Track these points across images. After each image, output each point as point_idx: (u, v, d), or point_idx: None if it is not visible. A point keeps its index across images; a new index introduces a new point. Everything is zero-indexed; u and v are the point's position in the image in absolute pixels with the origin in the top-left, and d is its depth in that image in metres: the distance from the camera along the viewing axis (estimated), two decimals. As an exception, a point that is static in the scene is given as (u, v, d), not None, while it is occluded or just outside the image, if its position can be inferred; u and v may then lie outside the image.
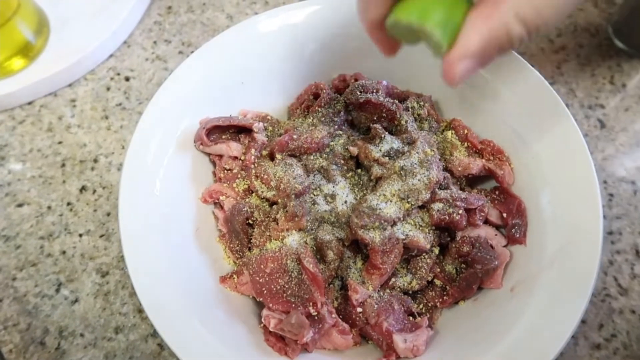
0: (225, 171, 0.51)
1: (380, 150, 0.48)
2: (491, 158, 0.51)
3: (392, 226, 0.45)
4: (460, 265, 0.47)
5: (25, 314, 0.51)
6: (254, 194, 0.50)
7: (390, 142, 0.48)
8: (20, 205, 0.57)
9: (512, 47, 0.31)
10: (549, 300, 0.42)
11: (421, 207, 0.47)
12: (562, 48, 0.67)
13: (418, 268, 0.46)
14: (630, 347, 0.50)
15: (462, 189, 0.51)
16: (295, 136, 0.49)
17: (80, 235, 0.55)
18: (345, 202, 0.48)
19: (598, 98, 0.63)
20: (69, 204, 0.57)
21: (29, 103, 0.63)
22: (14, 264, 0.53)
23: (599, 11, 0.70)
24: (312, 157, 0.49)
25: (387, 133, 0.49)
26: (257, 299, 0.44)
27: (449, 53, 0.31)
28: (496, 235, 0.49)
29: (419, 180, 0.46)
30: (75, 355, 0.49)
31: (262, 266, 0.44)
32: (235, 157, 0.51)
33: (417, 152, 0.47)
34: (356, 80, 0.54)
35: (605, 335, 0.50)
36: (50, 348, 0.50)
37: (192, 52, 0.52)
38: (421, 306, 0.47)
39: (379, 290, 0.45)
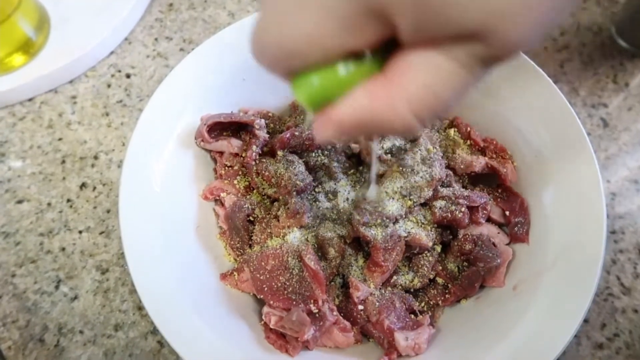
0: (226, 168, 0.51)
1: (383, 148, 0.48)
2: (494, 156, 0.51)
3: (394, 223, 0.45)
4: (462, 264, 0.47)
5: (24, 310, 0.51)
6: (255, 191, 0.49)
7: (393, 140, 0.48)
8: (20, 202, 0.56)
9: (396, 132, 0.26)
10: (552, 299, 0.42)
11: (423, 205, 0.47)
12: (565, 47, 0.67)
13: (420, 266, 0.46)
14: (633, 346, 0.49)
15: (464, 187, 0.50)
16: (296, 133, 0.48)
17: (80, 232, 0.55)
18: (347, 199, 0.48)
19: (601, 97, 0.63)
20: (69, 200, 0.56)
21: (30, 99, 0.62)
22: (14, 260, 0.53)
23: (602, 10, 0.70)
24: (313, 154, 0.49)
25: (389, 130, 0.49)
26: (258, 296, 0.44)
27: (322, 113, 0.26)
28: (499, 233, 0.49)
29: (421, 177, 0.45)
30: (75, 352, 0.49)
31: (262, 263, 0.43)
32: (237, 154, 0.51)
33: (420, 150, 0.46)
34: (358, 77, 0.53)
35: (608, 335, 0.50)
36: (50, 345, 0.49)
37: (193, 49, 0.52)
38: (423, 304, 0.47)
39: (380, 288, 0.45)
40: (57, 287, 0.52)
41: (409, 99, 0.23)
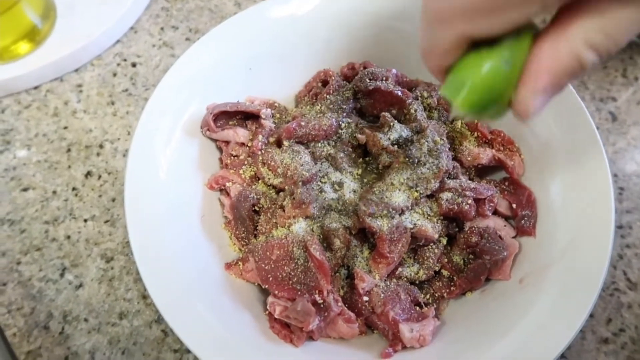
0: (232, 157, 0.51)
1: (389, 139, 0.47)
2: (501, 148, 0.51)
3: (400, 215, 0.44)
4: (468, 256, 0.47)
5: (29, 298, 0.51)
6: (260, 181, 0.49)
7: (399, 131, 0.48)
8: (25, 190, 0.56)
9: (585, 72, 0.29)
10: (558, 294, 0.42)
11: (430, 197, 0.46)
12: (574, 40, 0.66)
13: (425, 258, 0.46)
14: (639, 341, 0.49)
15: (471, 179, 0.50)
16: (303, 123, 0.48)
17: (85, 221, 0.55)
18: (353, 190, 0.47)
19: (610, 91, 0.63)
20: (74, 189, 0.56)
21: (35, 88, 0.62)
22: (19, 248, 0.53)
23: (612, 3, 0.69)
24: (319, 145, 0.49)
25: (396, 121, 0.48)
26: (263, 286, 0.44)
27: (519, 93, 0.29)
28: (505, 226, 0.48)
29: (427, 169, 0.45)
30: (79, 340, 0.49)
31: (268, 253, 0.43)
32: (242, 144, 0.51)
33: (427, 141, 0.46)
34: (365, 68, 0.53)
35: (614, 330, 0.50)
36: (54, 332, 0.49)
37: (199, 38, 0.52)
38: (428, 296, 0.46)
39: (385, 280, 0.45)
40: (62, 275, 0.52)
41: (588, 42, 0.26)
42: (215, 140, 0.52)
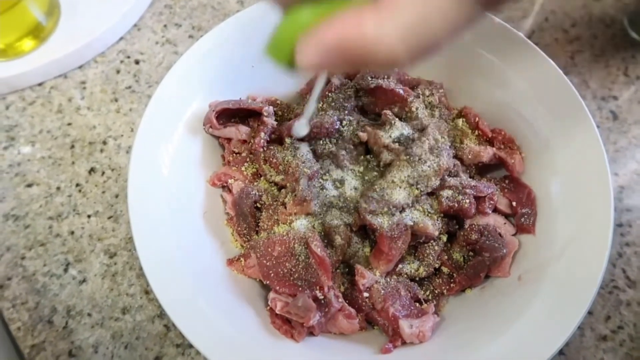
0: (234, 154, 0.51)
1: (390, 137, 0.48)
2: (502, 146, 0.51)
3: (400, 212, 0.45)
4: (468, 254, 0.47)
5: (33, 292, 0.52)
6: (262, 178, 0.50)
7: (401, 129, 0.48)
8: (29, 186, 0.57)
9: (384, 62, 0.24)
10: (557, 291, 0.42)
11: (430, 194, 0.47)
12: (577, 38, 0.66)
13: (425, 255, 0.46)
14: (637, 339, 0.49)
15: (472, 177, 0.50)
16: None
17: (89, 217, 0.55)
18: (354, 187, 0.48)
19: (611, 89, 0.63)
20: (77, 185, 0.57)
21: (39, 84, 0.63)
22: (23, 243, 0.54)
23: (614, 1, 0.69)
24: (321, 142, 0.49)
25: (397, 119, 0.49)
26: (264, 282, 0.45)
27: (307, 36, 0.26)
28: (505, 223, 0.49)
29: (428, 166, 0.45)
30: (83, 334, 0.50)
31: (269, 249, 0.44)
32: (245, 141, 0.51)
33: (428, 139, 0.46)
34: (367, 66, 0.53)
35: (612, 327, 0.50)
36: (58, 327, 0.50)
37: (202, 36, 0.52)
38: (428, 293, 0.47)
39: (385, 276, 0.45)
40: (65, 270, 0.53)
41: (398, 26, 0.23)
42: (217, 138, 0.53)
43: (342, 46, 0.24)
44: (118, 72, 0.64)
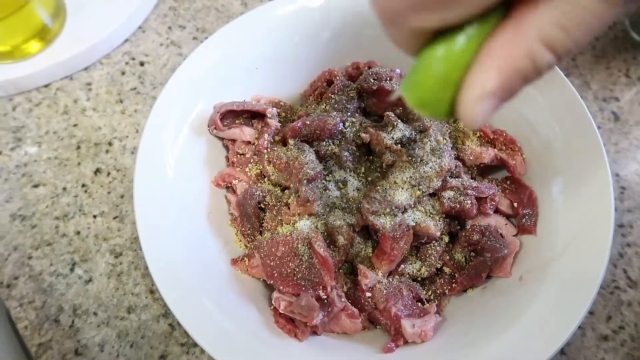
0: (238, 156, 0.52)
1: (393, 138, 0.48)
2: (503, 148, 0.51)
3: (402, 213, 0.45)
4: (469, 254, 0.48)
5: (40, 292, 0.52)
6: (266, 179, 0.50)
7: (403, 130, 0.48)
8: (36, 186, 0.57)
9: (540, 75, 0.24)
10: (558, 290, 0.43)
11: (432, 195, 0.47)
12: (578, 40, 0.66)
13: (427, 255, 0.47)
14: (638, 339, 0.50)
15: (473, 178, 0.51)
16: (308, 122, 0.49)
17: (95, 217, 0.56)
18: (357, 188, 0.48)
19: (613, 91, 0.63)
20: (83, 185, 0.58)
21: (46, 86, 0.64)
22: (30, 243, 0.54)
23: (616, 3, 0.69)
24: (324, 144, 0.50)
25: (399, 121, 0.49)
26: (268, 282, 0.45)
27: (463, 94, 0.24)
28: (506, 224, 0.49)
29: (430, 168, 0.46)
30: (89, 333, 0.50)
31: (273, 249, 0.44)
32: (249, 142, 0.52)
33: (429, 140, 0.47)
34: (370, 67, 0.54)
35: (613, 327, 0.50)
36: (65, 325, 0.51)
37: (207, 38, 0.52)
38: (430, 293, 0.47)
39: (388, 276, 0.46)
40: (72, 270, 0.53)
41: (543, 39, 0.22)
42: (222, 139, 0.53)
43: (511, 86, 0.24)
44: (123, 73, 0.65)
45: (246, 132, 0.51)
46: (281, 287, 0.44)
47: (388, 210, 0.44)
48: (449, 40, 0.24)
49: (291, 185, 0.48)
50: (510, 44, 0.23)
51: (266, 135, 0.50)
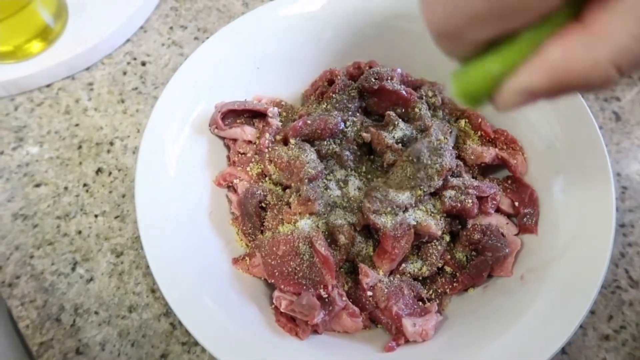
0: (240, 155, 0.52)
1: (394, 137, 0.48)
2: (504, 147, 0.51)
3: (403, 212, 0.45)
4: (470, 253, 0.48)
5: (42, 291, 0.52)
6: (267, 178, 0.50)
7: (404, 129, 0.48)
8: (37, 186, 0.58)
9: (591, 90, 0.24)
10: (559, 290, 0.43)
11: (433, 194, 0.47)
12: (579, 40, 0.66)
13: (428, 254, 0.47)
14: (639, 339, 0.50)
15: (474, 178, 0.51)
16: (309, 122, 0.49)
17: (96, 216, 0.56)
18: (358, 187, 0.48)
19: (614, 90, 0.63)
20: (85, 185, 0.58)
21: (47, 86, 0.64)
22: (32, 242, 0.55)
23: (618, 3, 0.69)
24: (325, 143, 0.50)
25: (400, 120, 0.49)
26: (269, 281, 0.45)
27: (507, 84, 0.25)
28: (507, 223, 0.49)
29: (431, 167, 0.46)
30: (90, 332, 0.50)
31: (274, 248, 0.44)
32: (250, 142, 0.52)
33: (430, 140, 0.47)
34: (371, 67, 0.54)
35: (615, 327, 0.50)
36: (66, 325, 0.51)
37: (208, 38, 0.53)
38: (431, 292, 0.47)
39: (389, 276, 0.46)
40: (73, 269, 0.53)
41: (613, 51, 0.21)
42: (223, 138, 0.53)
43: (553, 87, 0.24)
44: (125, 73, 0.65)
45: (247, 132, 0.51)
46: (282, 286, 0.44)
47: (389, 209, 0.44)
48: (505, 44, 0.24)
49: (292, 185, 0.48)
50: (573, 53, 0.22)
51: (267, 135, 0.50)
